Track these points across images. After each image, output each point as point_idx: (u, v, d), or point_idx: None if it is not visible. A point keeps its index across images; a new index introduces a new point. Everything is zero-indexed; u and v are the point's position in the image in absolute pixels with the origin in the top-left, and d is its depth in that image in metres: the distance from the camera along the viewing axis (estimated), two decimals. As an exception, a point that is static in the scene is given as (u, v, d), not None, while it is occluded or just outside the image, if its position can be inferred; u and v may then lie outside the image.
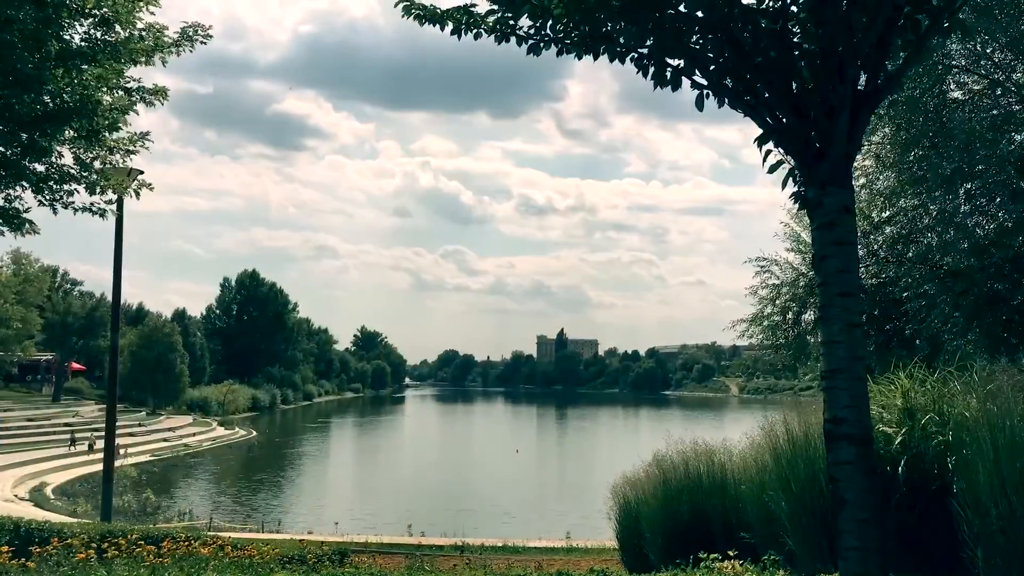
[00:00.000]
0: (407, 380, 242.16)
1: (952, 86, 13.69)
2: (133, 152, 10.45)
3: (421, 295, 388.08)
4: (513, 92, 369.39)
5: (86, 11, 8.97)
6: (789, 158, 5.47)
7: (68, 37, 9.10)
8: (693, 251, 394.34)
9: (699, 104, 5.52)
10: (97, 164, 10.14)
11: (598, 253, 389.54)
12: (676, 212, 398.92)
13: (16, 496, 31.16)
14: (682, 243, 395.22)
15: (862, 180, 15.74)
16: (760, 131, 5.43)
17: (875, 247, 16.10)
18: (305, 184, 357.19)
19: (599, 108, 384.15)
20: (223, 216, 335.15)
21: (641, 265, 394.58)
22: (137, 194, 11.10)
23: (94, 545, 9.04)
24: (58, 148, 9.70)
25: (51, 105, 9.08)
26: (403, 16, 5.82)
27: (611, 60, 5.55)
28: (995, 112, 12.89)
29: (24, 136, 9.28)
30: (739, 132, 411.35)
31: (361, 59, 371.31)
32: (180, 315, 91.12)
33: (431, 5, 5.83)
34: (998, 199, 12.75)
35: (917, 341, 14.67)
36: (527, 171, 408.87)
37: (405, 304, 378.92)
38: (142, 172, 12.65)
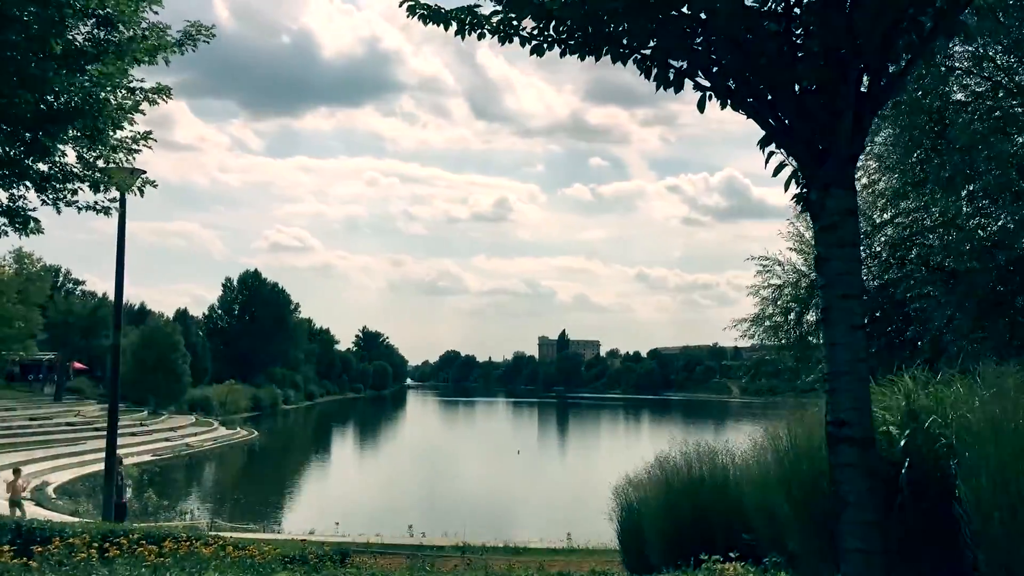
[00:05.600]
0: (408, 381, 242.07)
1: (955, 88, 13.69)
2: (136, 151, 10.47)
3: (419, 295, 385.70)
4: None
5: (89, 11, 8.98)
6: (792, 160, 5.47)
7: (71, 37, 9.11)
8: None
9: (701, 106, 5.51)
10: (100, 163, 10.16)
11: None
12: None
13: (18, 495, 31.16)
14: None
15: (864, 181, 15.71)
16: (763, 133, 5.43)
17: (877, 249, 16.07)
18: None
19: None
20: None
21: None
22: (141, 191, 11.13)
23: (96, 545, 9.03)
24: (61, 147, 9.72)
25: (55, 105, 9.10)
26: (408, 16, 5.82)
27: (614, 62, 5.55)
28: (997, 114, 12.88)
29: (28, 135, 9.30)
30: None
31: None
32: (182, 315, 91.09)
33: (435, 5, 5.83)
34: (1000, 201, 12.73)
35: (919, 343, 14.63)
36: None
37: (405, 304, 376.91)
38: (144, 171, 12.68)
